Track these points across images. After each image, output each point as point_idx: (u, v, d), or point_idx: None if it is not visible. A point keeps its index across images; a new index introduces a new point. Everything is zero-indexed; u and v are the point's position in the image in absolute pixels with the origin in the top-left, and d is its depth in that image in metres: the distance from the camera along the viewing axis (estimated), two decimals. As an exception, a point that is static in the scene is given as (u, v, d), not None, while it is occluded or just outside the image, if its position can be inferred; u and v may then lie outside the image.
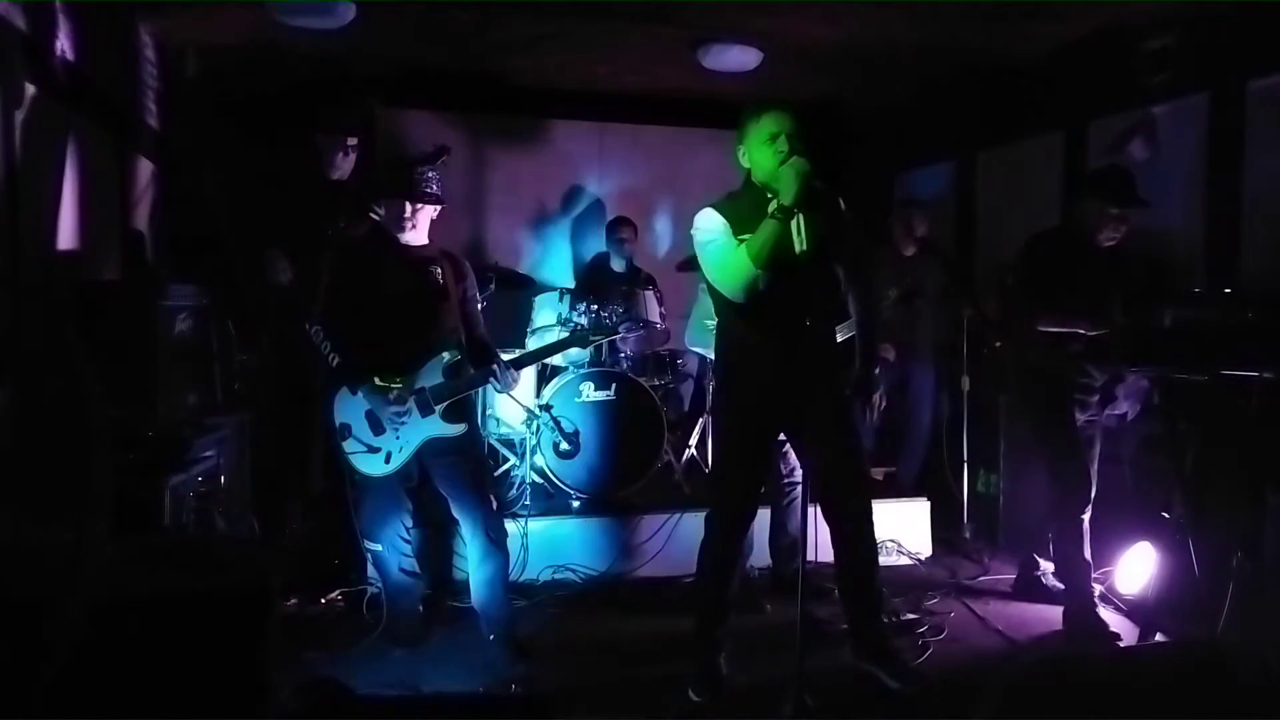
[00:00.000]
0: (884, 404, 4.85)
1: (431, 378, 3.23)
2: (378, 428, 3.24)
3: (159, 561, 2.18)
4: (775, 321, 2.86)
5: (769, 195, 2.86)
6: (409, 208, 3.23)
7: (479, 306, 3.51)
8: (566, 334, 4.53)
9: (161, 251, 4.59)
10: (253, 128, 5.41)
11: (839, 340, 3.24)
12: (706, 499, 3.24)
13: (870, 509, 3.11)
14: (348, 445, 3.26)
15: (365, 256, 3.31)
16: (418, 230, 3.28)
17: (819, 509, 3.08)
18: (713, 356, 3.80)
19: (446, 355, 3.25)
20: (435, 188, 3.28)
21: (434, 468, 3.32)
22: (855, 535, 3.08)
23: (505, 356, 3.40)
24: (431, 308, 3.28)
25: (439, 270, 3.30)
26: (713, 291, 3.02)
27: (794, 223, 2.81)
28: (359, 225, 3.98)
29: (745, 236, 2.82)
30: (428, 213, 3.28)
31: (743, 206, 2.92)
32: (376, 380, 3.19)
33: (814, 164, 2.73)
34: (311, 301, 3.95)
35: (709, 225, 2.92)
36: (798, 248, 2.85)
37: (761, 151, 2.87)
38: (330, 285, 3.29)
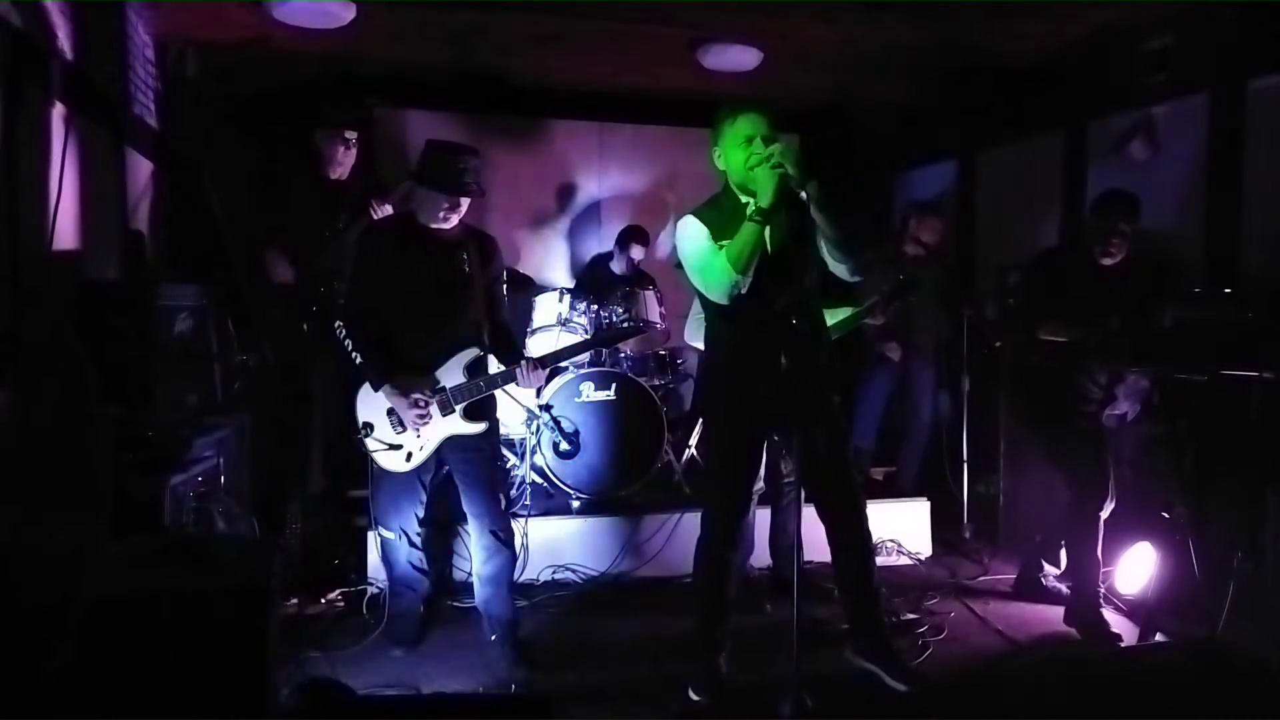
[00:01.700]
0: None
1: (453, 377, 3.23)
2: (399, 426, 3.24)
3: (159, 561, 2.18)
4: (760, 321, 2.84)
5: (745, 198, 2.86)
6: (448, 201, 3.18)
7: (503, 288, 3.48)
8: (568, 333, 4.55)
9: (161, 251, 4.58)
10: (253, 128, 5.42)
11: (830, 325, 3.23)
12: (701, 499, 3.23)
13: (862, 505, 3.08)
14: (369, 443, 3.26)
15: (391, 246, 3.26)
16: (456, 218, 3.25)
17: (815, 509, 3.08)
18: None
19: (468, 354, 3.24)
20: (478, 179, 3.22)
21: (450, 461, 3.33)
22: (848, 532, 3.06)
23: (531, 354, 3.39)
24: (455, 300, 3.25)
25: (465, 255, 3.26)
26: (698, 292, 3.02)
27: (774, 223, 2.79)
28: (373, 217, 3.98)
29: (725, 242, 2.81)
30: (466, 203, 3.25)
31: (723, 211, 2.91)
32: (398, 379, 3.19)
33: (791, 165, 2.71)
34: (317, 299, 3.95)
35: (689, 233, 2.92)
36: (778, 247, 2.84)
37: (737, 154, 2.86)
38: (355, 278, 3.28)
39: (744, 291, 2.80)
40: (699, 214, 2.94)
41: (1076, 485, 3.65)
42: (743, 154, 2.83)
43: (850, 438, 3.16)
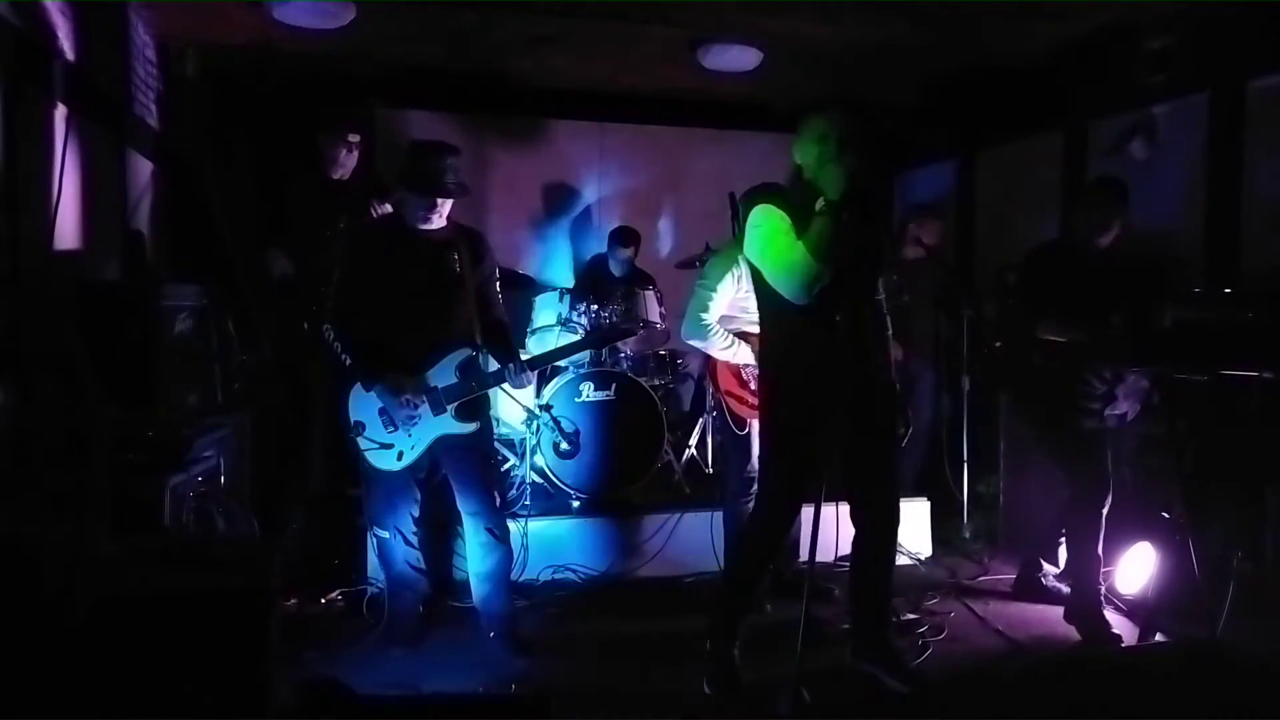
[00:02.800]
0: (909, 429, 4.75)
1: (444, 377, 3.22)
2: (390, 425, 3.24)
3: (159, 561, 2.18)
4: (828, 318, 2.84)
5: (816, 193, 2.88)
6: (436, 201, 3.19)
7: (496, 286, 3.49)
8: (567, 333, 4.55)
9: (161, 251, 4.58)
10: (253, 128, 5.42)
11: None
12: (759, 491, 3.20)
13: (899, 515, 3.11)
14: (361, 442, 3.26)
15: (380, 247, 3.27)
16: (440, 219, 3.26)
17: (849, 508, 3.10)
18: (708, 353, 3.81)
19: (460, 354, 3.24)
20: (458, 178, 3.23)
21: (444, 460, 3.34)
22: (880, 538, 3.08)
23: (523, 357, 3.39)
24: (446, 300, 3.25)
25: (455, 255, 3.27)
26: (763, 288, 3.00)
27: (843, 220, 2.80)
28: (371, 217, 3.98)
29: (805, 235, 2.82)
30: (447, 204, 3.26)
31: (795, 203, 2.92)
32: (389, 379, 3.19)
33: (863, 165, 2.77)
34: (317, 299, 3.95)
35: (773, 222, 2.89)
36: (845, 245, 2.86)
37: (810, 149, 2.91)
38: (343, 279, 3.28)
39: (825, 284, 2.79)
40: (776, 203, 2.93)
41: (1077, 485, 3.65)
42: (815, 149, 2.88)
43: (900, 450, 3.19)
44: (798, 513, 3.11)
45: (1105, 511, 3.59)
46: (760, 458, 3.26)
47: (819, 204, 2.81)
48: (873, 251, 2.96)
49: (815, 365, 2.90)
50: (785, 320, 2.97)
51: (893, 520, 3.10)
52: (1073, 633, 3.61)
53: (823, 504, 2.82)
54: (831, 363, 2.83)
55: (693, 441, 4.92)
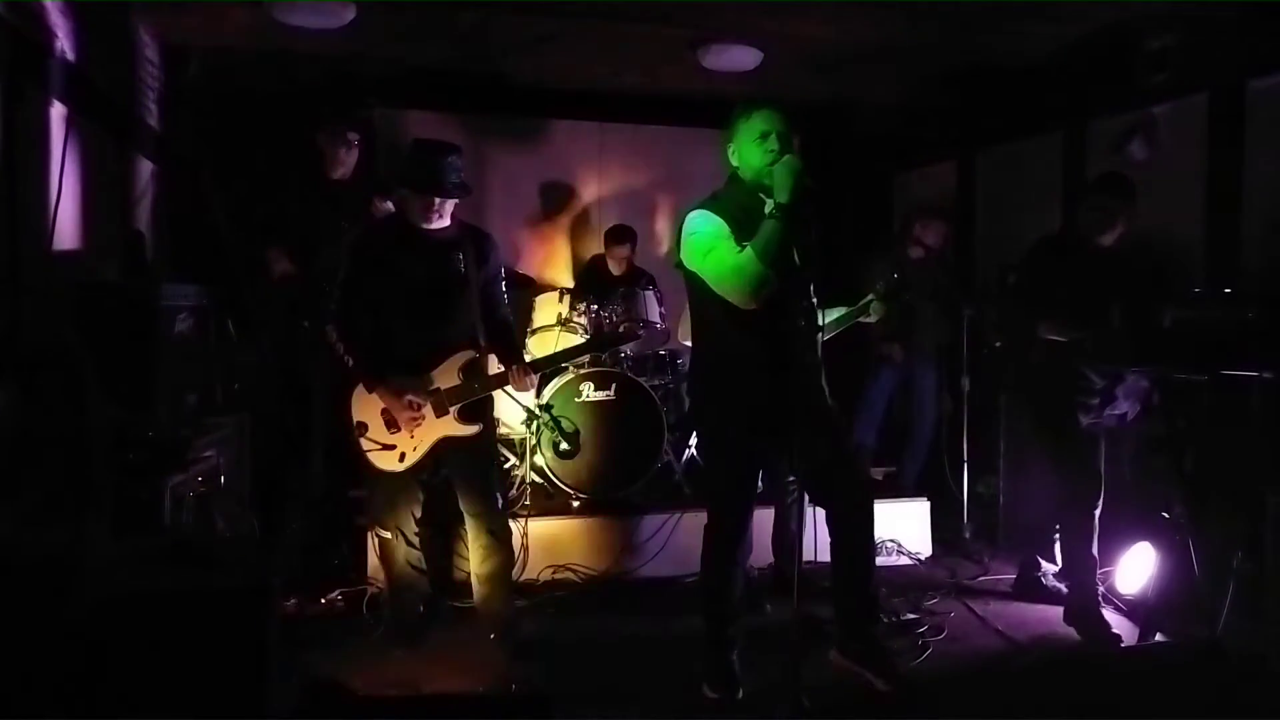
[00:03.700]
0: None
1: (448, 379, 3.23)
2: (393, 426, 3.24)
3: (159, 561, 2.18)
4: (766, 324, 2.81)
5: (759, 195, 2.84)
6: (436, 200, 3.19)
7: (501, 286, 3.48)
8: (568, 334, 4.55)
9: (161, 251, 4.59)
10: (253, 128, 5.42)
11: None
12: (707, 496, 3.20)
13: (870, 508, 3.05)
14: (364, 443, 3.26)
15: (384, 247, 3.27)
16: (442, 218, 3.26)
17: (824, 512, 3.07)
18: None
19: (464, 355, 3.24)
20: (460, 177, 3.22)
21: (446, 462, 3.34)
22: (852, 534, 3.02)
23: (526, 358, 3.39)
24: (450, 302, 3.25)
25: (460, 255, 3.26)
26: (697, 295, 2.95)
27: (791, 221, 2.77)
28: (374, 217, 3.98)
29: (747, 242, 2.75)
30: (449, 204, 3.26)
31: (732, 207, 2.87)
32: (392, 380, 3.19)
33: (806, 163, 2.72)
34: (319, 299, 3.95)
35: (709, 228, 2.83)
36: (791, 248, 2.83)
37: (752, 150, 2.84)
38: (347, 279, 3.27)
39: (772, 291, 2.75)
40: (711, 208, 2.87)
41: (1068, 485, 3.66)
42: (758, 150, 2.82)
43: (860, 446, 3.15)
44: (747, 513, 3.05)
45: (1097, 512, 3.60)
46: (702, 463, 3.22)
47: (769, 207, 2.74)
48: (813, 254, 2.88)
49: (749, 369, 2.87)
50: (721, 324, 2.91)
51: (861, 518, 3.02)
52: (1073, 633, 3.61)
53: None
54: (764, 365, 2.81)
55: (693, 441, 4.92)
